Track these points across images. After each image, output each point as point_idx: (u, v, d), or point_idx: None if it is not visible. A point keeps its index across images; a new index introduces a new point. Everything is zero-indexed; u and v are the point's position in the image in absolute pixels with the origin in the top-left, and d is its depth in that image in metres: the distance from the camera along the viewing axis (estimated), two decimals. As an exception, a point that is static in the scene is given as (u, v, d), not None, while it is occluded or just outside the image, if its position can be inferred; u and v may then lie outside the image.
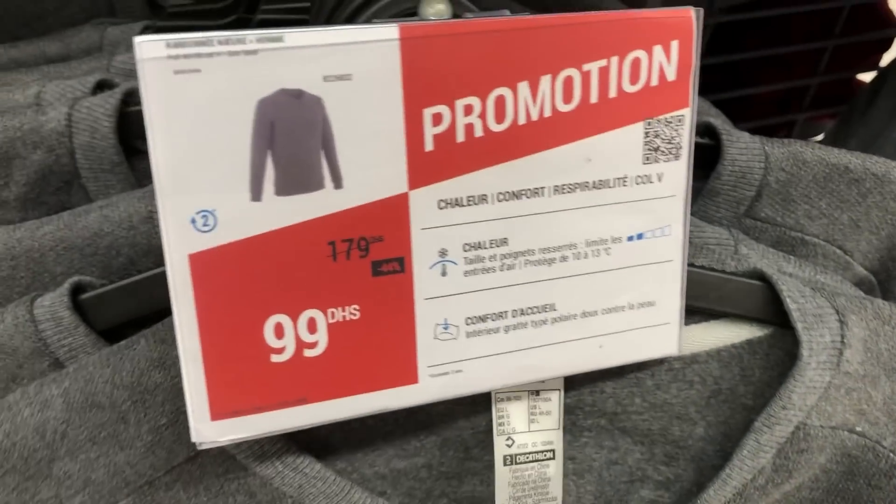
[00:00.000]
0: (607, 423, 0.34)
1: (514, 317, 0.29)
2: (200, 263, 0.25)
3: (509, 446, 0.33)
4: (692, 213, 0.37)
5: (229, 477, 0.29)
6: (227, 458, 0.29)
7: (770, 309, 0.33)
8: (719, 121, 0.38)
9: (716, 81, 0.56)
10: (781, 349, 0.33)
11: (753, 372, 0.33)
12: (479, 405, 0.33)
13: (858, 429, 0.32)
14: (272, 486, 0.29)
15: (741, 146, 0.37)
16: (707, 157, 0.38)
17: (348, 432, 0.32)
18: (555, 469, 0.33)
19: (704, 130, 0.38)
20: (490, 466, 0.33)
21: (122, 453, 0.28)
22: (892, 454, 0.32)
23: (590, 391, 0.34)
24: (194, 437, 0.26)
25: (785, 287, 0.32)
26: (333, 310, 0.27)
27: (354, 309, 0.27)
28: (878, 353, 0.32)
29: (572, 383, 0.34)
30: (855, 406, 0.32)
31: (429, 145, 0.26)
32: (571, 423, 0.34)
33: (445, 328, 0.28)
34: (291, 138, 0.25)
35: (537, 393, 0.33)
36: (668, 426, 0.34)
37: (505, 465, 0.33)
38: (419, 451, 0.33)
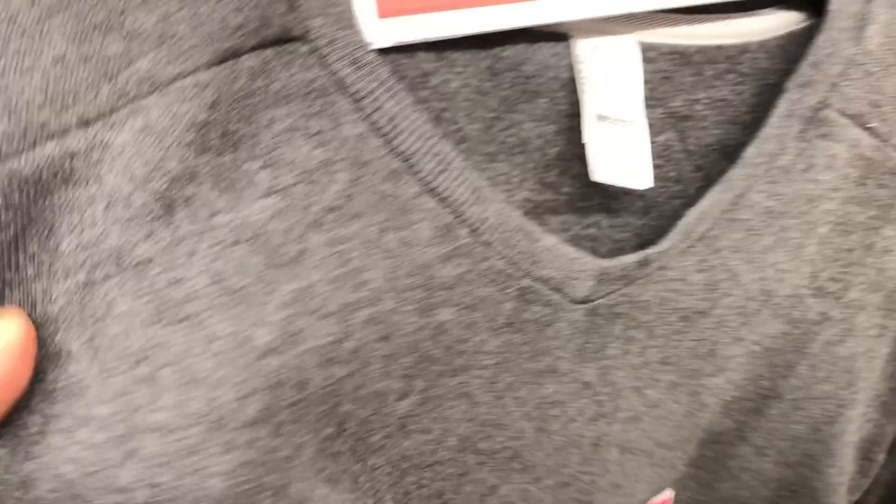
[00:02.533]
0: (675, 137, 0.33)
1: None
2: None
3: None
4: None
5: (316, 89, 0.25)
6: (323, 69, 0.25)
7: None
8: None
9: None
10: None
11: (797, 60, 0.32)
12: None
13: (872, 125, 0.32)
14: (364, 113, 0.26)
15: None
16: None
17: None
18: (641, 130, 0.31)
19: None
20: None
21: (208, 4, 0.24)
22: None
23: (661, 81, 0.32)
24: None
25: None
26: None
27: None
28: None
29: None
30: (870, 96, 0.32)
31: None
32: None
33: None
34: None
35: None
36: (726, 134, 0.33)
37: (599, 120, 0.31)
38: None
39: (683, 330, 0.32)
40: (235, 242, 0.24)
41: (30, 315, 0.23)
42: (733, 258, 0.32)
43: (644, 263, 0.30)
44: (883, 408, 0.40)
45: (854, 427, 0.39)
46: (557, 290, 0.29)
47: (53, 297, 0.23)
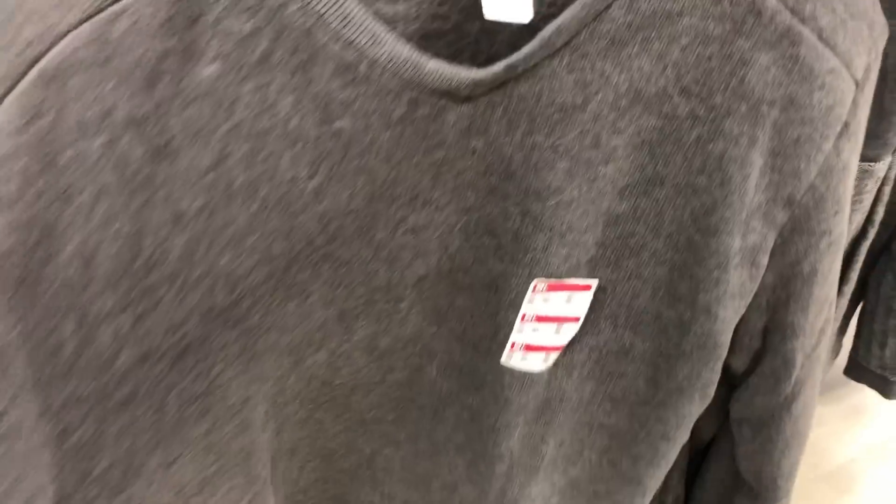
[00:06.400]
0: None
1: None
2: None
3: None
4: None
5: None
6: None
7: None
8: None
9: None
10: None
11: None
12: None
13: None
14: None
15: None
16: None
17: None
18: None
19: None
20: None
21: None
22: None
23: None
24: None
25: None
26: None
27: None
28: None
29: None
30: None
31: None
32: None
33: None
34: None
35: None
36: None
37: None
38: None
39: (562, 120, 0.38)
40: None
41: None
42: (601, 62, 0.37)
43: (511, 67, 0.35)
44: (764, 218, 0.44)
45: (736, 229, 0.44)
46: (442, 95, 0.35)
47: None
